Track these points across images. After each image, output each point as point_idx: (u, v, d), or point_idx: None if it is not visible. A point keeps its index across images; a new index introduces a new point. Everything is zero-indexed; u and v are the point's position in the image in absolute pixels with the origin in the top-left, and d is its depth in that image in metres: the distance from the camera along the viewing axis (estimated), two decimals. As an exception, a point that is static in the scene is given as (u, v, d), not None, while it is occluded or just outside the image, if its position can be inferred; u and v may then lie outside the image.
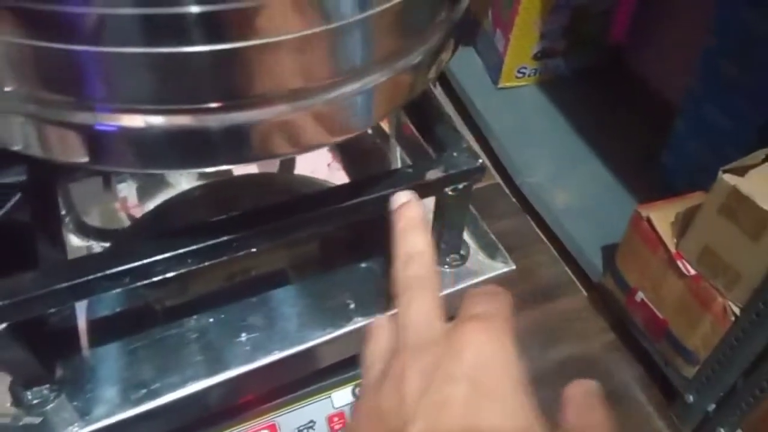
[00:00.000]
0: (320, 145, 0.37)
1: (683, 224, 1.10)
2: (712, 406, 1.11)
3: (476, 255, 0.50)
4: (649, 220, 1.12)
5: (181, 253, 0.38)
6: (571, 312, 1.36)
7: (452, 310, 0.47)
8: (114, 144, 0.35)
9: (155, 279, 0.39)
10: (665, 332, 1.15)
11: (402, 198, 0.40)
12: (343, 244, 0.52)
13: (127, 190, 0.68)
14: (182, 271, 0.39)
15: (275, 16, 0.31)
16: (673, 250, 1.09)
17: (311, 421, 0.51)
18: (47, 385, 0.42)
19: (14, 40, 0.31)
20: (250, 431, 0.50)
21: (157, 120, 0.33)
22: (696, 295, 1.07)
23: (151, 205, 0.69)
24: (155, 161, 0.36)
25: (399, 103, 0.38)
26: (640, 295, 1.18)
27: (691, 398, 1.14)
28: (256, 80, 0.32)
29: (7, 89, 0.33)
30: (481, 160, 0.44)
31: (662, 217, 1.12)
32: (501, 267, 0.51)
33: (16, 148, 0.36)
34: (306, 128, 0.35)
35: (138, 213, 0.67)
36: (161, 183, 0.69)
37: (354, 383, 0.52)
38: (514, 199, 1.54)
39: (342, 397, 0.52)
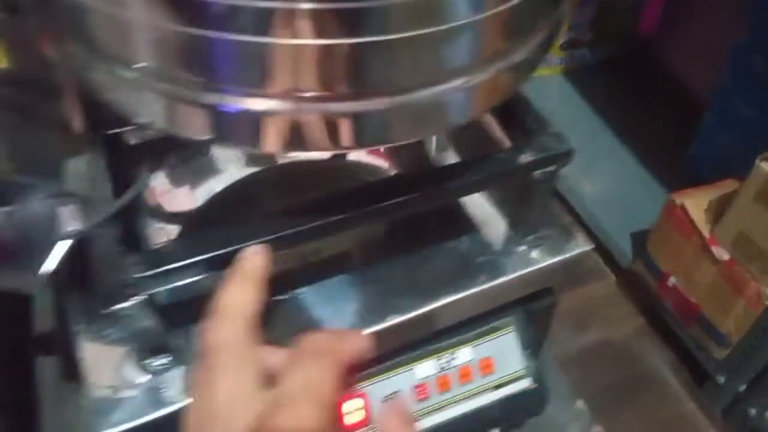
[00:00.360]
0: (423, 136, 0.40)
1: (717, 211, 1.12)
2: (743, 387, 1.15)
3: (554, 236, 0.53)
4: (683, 207, 1.14)
5: (304, 230, 0.41)
6: (601, 298, 1.39)
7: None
8: (238, 124, 0.37)
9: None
10: (697, 316, 1.18)
11: (250, 251, 0.39)
12: (428, 224, 0.55)
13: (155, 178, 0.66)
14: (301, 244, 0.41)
15: (403, 13, 0.33)
16: (707, 236, 1.11)
17: (396, 391, 0.54)
18: (167, 354, 0.45)
19: (157, 23, 0.33)
20: (344, 398, 0.53)
21: (281, 105, 0.36)
22: (729, 279, 1.09)
23: (183, 192, 0.67)
24: (278, 143, 0.38)
25: (502, 99, 0.40)
26: (672, 280, 1.20)
27: (722, 379, 1.16)
28: (377, 72, 0.35)
29: (141, 65, 0.36)
30: (570, 144, 0.47)
31: (696, 204, 1.15)
32: (578, 246, 0.54)
33: (142, 120, 0.38)
34: (416, 119, 0.37)
35: (165, 201, 0.64)
36: (190, 172, 0.68)
37: (435, 356, 0.55)
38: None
39: (424, 369, 0.55)
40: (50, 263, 0.44)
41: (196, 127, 0.37)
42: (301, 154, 0.60)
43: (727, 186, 1.16)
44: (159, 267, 0.39)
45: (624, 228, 1.36)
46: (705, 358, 1.20)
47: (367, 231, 0.54)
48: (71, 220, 0.40)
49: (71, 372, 0.45)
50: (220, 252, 0.39)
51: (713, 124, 1.34)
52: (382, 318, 0.49)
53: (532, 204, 0.50)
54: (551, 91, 1.58)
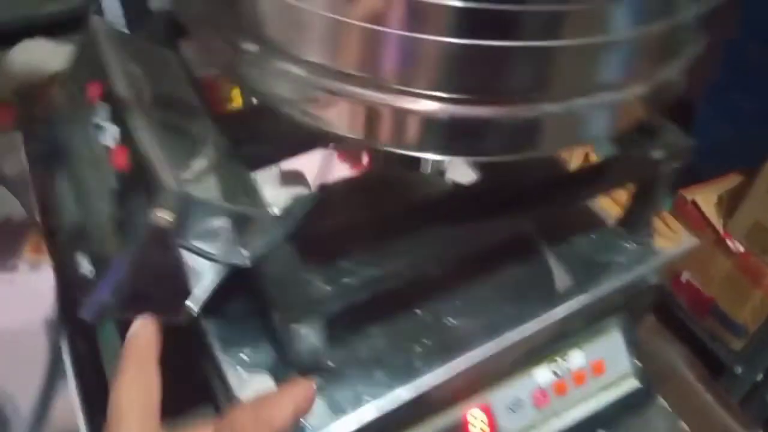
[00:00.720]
0: (591, 142, 0.40)
1: (728, 205, 1.16)
2: (760, 376, 1.18)
3: (662, 231, 0.54)
4: (694, 203, 1.18)
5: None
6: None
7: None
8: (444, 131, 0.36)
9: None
10: (711, 309, 1.21)
11: (140, 324, 0.38)
12: (542, 228, 0.55)
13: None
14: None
15: (596, 19, 0.33)
16: (720, 229, 1.15)
17: (518, 399, 0.54)
18: (319, 375, 0.43)
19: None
20: (465, 411, 0.52)
21: (442, 108, 0.35)
22: (745, 271, 1.13)
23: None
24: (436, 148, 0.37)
25: (664, 105, 0.41)
26: (685, 276, 1.24)
27: (739, 370, 1.20)
28: (568, 76, 0.35)
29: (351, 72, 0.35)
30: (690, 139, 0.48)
31: (706, 199, 1.18)
32: (687, 242, 0.55)
33: (338, 132, 0.37)
34: (589, 123, 0.38)
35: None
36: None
37: (552, 360, 0.55)
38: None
39: (542, 374, 0.54)
40: (206, 290, 0.42)
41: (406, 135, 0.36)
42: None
43: (732, 180, 1.20)
44: (339, 284, 0.37)
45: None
46: (720, 349, 1.24)
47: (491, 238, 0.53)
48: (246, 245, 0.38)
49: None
50: (401, 267, 0.38)
51: (709, 116, 1.37)
52: (516, 325, 0.48)
53: (649, 202, 0.51)
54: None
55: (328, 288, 0.38)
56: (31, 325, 0.56)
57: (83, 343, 0.68)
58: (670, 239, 0.55)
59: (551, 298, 0.50)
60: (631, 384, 0.58)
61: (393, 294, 0.49)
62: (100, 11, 1.44)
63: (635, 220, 0.52)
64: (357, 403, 0.44)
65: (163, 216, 0.37)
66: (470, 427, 0.53)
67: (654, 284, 0.57)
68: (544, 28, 0.33)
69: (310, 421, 0.43)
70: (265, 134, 0.50)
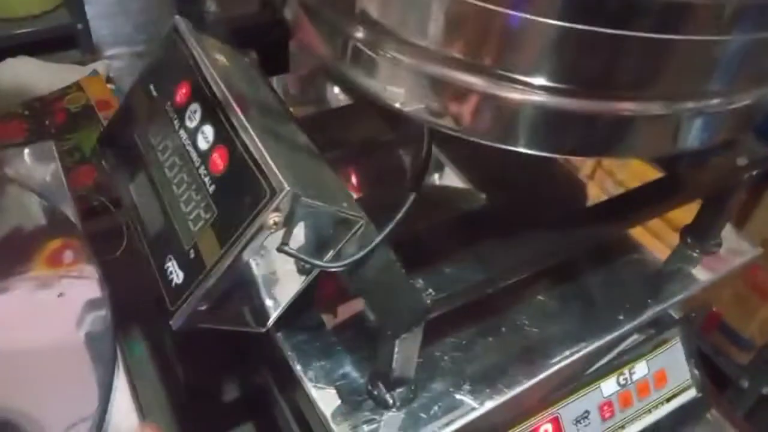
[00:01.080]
0: (682, 151, 0.39)
1: (739, 218, 1.18)
2: (766, 389, 1.20)
3: (726, 241, 0.54)
4: (702, 219, 1.19)
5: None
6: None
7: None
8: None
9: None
10: (718, 324, 1.22)
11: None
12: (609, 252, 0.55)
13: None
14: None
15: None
16: (729, 245, 1.16)
17: (586, 411, 0.53)
18: (406, 387, 0.42)
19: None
20: (536, 425, 0.51)
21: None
22: (754, 286, 1.15)
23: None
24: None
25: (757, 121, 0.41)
26: (691, 291, 1.25)
27: (745, 383, 1.21)
28: (679, 75, 0.34)
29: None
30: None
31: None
32: (750, 252, 0.55)
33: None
34: (687, 130, 0.37)
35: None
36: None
37: (618, 372, 0.54)
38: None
39: (609, 386, 0.54)
40: (286, 300, 0.41)
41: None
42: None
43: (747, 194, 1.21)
44: (445, 290, 0.37)
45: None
46: (726, 364, 1.25)
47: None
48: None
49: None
50: (501, 271, 0.38)
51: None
52: (594, 336, 0.48)
53: (722, 210, 0.51)
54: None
55: (436, 295, 0.37)
56: (36, 343, 0.53)
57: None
58: (732, 251, 0.55)
59: (624, 309, 0.50)
60: (691, 394, 0.58)
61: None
62: (87, 31, 1.42)
63: (704, 230, 0.52)
64: (442, 415, 0.43)
65: (276, 218, 0.36)
66: (539, 439, 0.52)
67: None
68: (664, 20, 0.32)
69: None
70: (339, 138, 0.49)
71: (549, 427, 0.52)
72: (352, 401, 0.43)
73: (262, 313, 0.41)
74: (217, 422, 0.65)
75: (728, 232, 0.56)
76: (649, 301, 0.51)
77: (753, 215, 1.12)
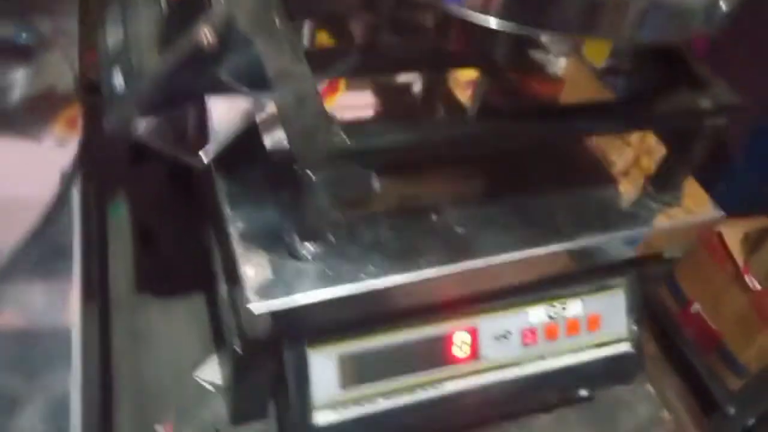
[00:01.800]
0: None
1: (753, 242, 1.14)
2: (752, 421, 1.15)
3: (688, 198, 0.53)
4: (719, 235, 1.16)
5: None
6: (614, 318, 1.40)
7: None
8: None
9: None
10: (716, 345, 1.19)
11: None
12: (569, 169, 0.55)
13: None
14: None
15: None
16: (741, 265, 1.13)
17: (507, 332, 0.54)
18: (322, 243, 0.44)
19: None
20: (454, 330, 0.52)
21: None
22: (759, 310, 1.11)
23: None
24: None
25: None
26: (696, 307, 1.22)
27: (732, 411, 1.17)
28: None
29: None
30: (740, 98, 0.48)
31: (732, 233, 1.16)
32: (712, 213, 0.54)
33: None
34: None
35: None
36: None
37: (549, 302, 0.54)
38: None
39: (537, 313, 0.54)
40: (227, 133, 0.43)
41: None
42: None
43: (763, 221, 1.18)
44: (362, 142, 0.38)
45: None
46: (716, 387, 1.21)
47: (514, 164, 0.53)
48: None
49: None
50: (421, 136, 0.38)
51: (746, 163, 1.36)
52: (523, 246, 0.48)
53: (684, 160, 0.50)
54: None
55: (351, 142, 0.38)
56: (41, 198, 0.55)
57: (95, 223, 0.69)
58: (694, 209, 0.54)
59: (561, 232, 0.50)
60: (624, 348, 0.57)
61: (411, 194, 0.49)
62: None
63: (666, 179, 0.52)
64: (348, 278, 0.44)
65: (208, 33, 0.37)
66: (453, 347, 0.53)
67: (668, 254, 0.57)
68: None
69: (298, 286, 0.43)
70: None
71: (466, 336, 0.53)
72: (266, 245, 0.44)
73: (201, 146, 0.43)
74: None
75: (697, 192, 0.55)
76: (590, 231, 0.50)
77: (766, 241, 1.09)
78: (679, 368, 1.32)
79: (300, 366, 0.48)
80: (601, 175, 0.55)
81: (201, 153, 0.42)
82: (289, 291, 0.42)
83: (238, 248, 0.44)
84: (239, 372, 0.49)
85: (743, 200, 1.35)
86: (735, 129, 1.43)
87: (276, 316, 0.42)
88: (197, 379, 0.60)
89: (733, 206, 1.35)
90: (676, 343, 1.27)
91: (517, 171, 0.54)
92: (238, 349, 0.46)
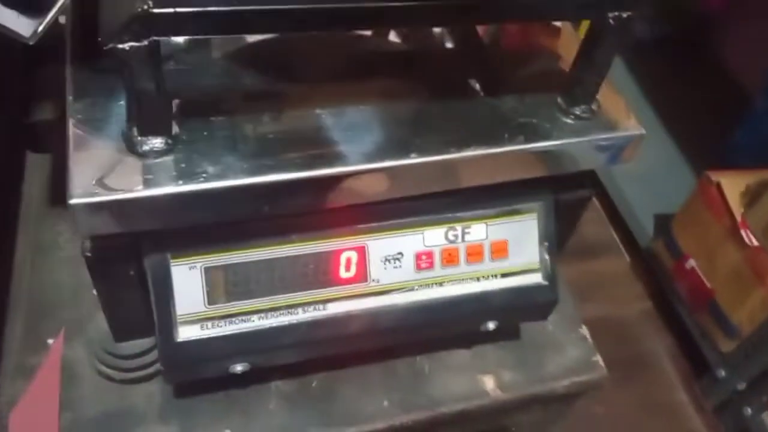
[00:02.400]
0: None
1: (753, 195, 1.07)
2: (743, 385, 1.09)
3: (606, 113, 0.48)
4: (718, 186, 1.09)
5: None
6: (610, 274, 1.34)
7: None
8: None
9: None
10: (709, 303, 1.12)
11: None
12: (471, 75, 0.50)
13: None
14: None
15: None
16: (738, 218, 1.06)
17: (399, 253, 0.50)
18: (162, 138, 0.40)
19: None
20: (341, 249, 0.48)
21: None
22: (753, 266, 1.04)
23: None
24: None
25: None
26: (690, 263, 1.15)
27: (722, 373, 1.12)
28: None
29: None
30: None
31: (732, 184, 1.09)
32: (631, 129, 0.48)
33: None
34: None
35: None
36: None
37: (448, 225, 0.50)
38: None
39: (434, 236, 0.50)
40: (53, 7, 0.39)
41: None
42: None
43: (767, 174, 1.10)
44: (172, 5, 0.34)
45: (649, 208, 1.31)
46: (708, 348, 1.15)
47: (403, 67, 0.49)
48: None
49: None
50: (243, 8, 0.34)
51: (762, 114, 1.28)
52: (400, 155, 0.44)
53: (593, 64, 0.45)
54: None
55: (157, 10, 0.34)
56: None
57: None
58: (613, 124, 0.48)
59: (450, 141, 0.45)
60: (534, 279, 0.53)
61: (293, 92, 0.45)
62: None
63: (577, 88, 0.47)
64: (189, 175, 0.40)
65: None
66: (340, 268, 0.49)
67: (583, 174, 0.52)
68: None
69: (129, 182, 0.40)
70: None
71: (353, 255, 0.49)
72: (106, 138, 0.41)
73: (31, 21, 0.40)
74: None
75: (618, 106, 0.50)
76: (488, 142, 0.46)
77: (765, 195, 1.02)
78: (671, 328, 1.26)
79: (162, 278, 0.45)
80: (508, 84, 0.50)
81: (30, 31, 0.39)
82: (117, 186, 0.39)
83: (73, 140, 0.40)
84: (96, 281, 0.46)
85: (757, 151, 1.26)
86: (755, 77, 1.34)
87: (100, 212, 0.38)
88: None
89: (747, 158, 1.27)
90: (669, 300, 1.22)
91: (414, 73, 0.49)
92: (87, 252, 0.44)
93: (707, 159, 1.25)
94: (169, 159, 0.41)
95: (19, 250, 0.61)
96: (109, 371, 0.54)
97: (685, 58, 1.55)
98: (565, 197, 0.52)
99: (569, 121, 0.48)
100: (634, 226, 1.31)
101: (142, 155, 0.40)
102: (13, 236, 0.62)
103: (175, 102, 0.44)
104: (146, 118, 0.39)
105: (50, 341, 0.57)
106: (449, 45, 0.53)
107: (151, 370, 0.54)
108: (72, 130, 0.41)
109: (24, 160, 0.67)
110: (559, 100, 0.48)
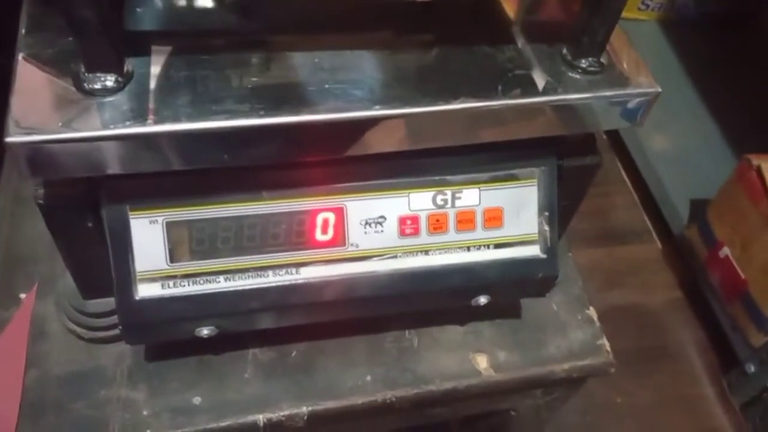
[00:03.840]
0: None
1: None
2: (772, 383, 1.03)
3: (617, 68, 0.43)
4: (759, 170, 1.01)
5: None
6: (641, 261, 1.28)
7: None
8: None
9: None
10: (742, 294, 1.06)
11: None
12: (471, 23, 0.45)
13: None
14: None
15: None
16: (778, 205, 0.99)
17: (381, 217, 0.46)
18: (112, 76, 0.37)
19: None
20: (317, 209, 0.44)
21: None
22: (791, 257, 0.97)
23: None
24: None
25: None
26: (725, 251, 1.08)
27: (752, 368, 1.05)
28: None
29: None
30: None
31: (774, 169, 1.02)
32: (643, 86, 0.43)
33: None
34: None
35: None
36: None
37: (436, 189, 0.46)
38: (604, 135, 1.44)
39: (420, 200, 0.46)
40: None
41: None
42: None
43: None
44: None
45: (685, 191, 1.24)
46: (738, 342, 1.09)
47: (393, 15, 0.44)
48: None
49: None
50: None
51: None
52: (379, 105, 0.40)
53: (597, 11, 0.40)
54: (640, 37, 1.44)
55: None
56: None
57: None
58: (624, 80, 0.43)
59: (441, 93, 0.41)
60: (531, 251, 0.48)
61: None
62: None
63: (584, 37, 0.42)
64: (140, 117, 0.37)
65: None
66: (316, 229, 0.45)
67: (589, 144, 0.47)
68: None
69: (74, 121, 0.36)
70: None
71: (330, 216, 0.45)
72: (55, 75, 0.38)
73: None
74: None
75: (631, 62, 0.45)
76: (482, 96, 0.41)
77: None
78: (701, 319, 1.19)
79: (121, 231, 0.42)
80: (507, 32, 0.45)
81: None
82: (58, 125, 0.35)
83: (19, 75, 0.37)
84: (53, 232, 0.43)
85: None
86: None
87: (40, 153, 0.35)
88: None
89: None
90: (700, 289, 1.15)
91: (405, 21, 0.45)
92: (39, 199, 0.41)
93: (749, 142, 1.17)
94: (118, 98, 0.37)
95: (0, 201, 0.59)
96: (77, 329, 0.52)
97: (729, 38, 1.46)
98: (569, 163, 0.47)
99: (574, 75, 0.43)
100: (667, 211, 1.24)
101: (90, 93, 0.37)
102: (-6, 186, 0.59)
103: (138, 39, 0.40)
104: (90, 52, 0.35)
105: (22, 296, 0.54)
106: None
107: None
108: (20, 64, 0.38)
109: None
110: (564, 51, 0.43)
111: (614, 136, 1.41)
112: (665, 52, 1.44)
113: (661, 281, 1.25)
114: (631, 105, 0.44)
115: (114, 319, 0.51)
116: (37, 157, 0.36)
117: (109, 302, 0.50)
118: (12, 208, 0.59)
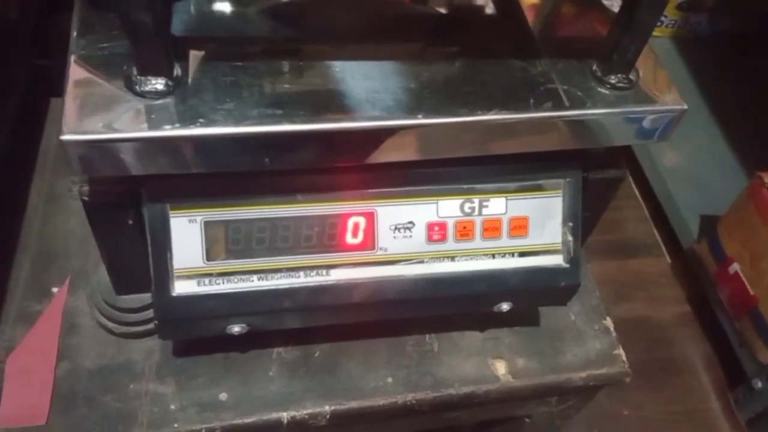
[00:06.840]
0: None
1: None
2: (780, 399, 1.04)
3: (645, 84, 0.44)
4: (770, 187, 1.03)
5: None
6: (650, 275, 1.29)
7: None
8: None
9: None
10: (751, 311, 1.07)
11: None
12: (501, 38, 0.47)
13: None
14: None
15: None
16: (789, 223, 1.00)
17: (410, 222, 0.47)
18: (162, 79, 0.38)
19: None
20: (348, 213, 0.45)
21: None
22: (801, 274, 0.98)
23: None
24: None
25: None
26: (734, 267, 1.09)
27: (759, 384, 1.06)
28: None
29: None
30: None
31: (786, 186, 1.03)
32: (670, 103, 0.45)
33: None
34: None
35: None
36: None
37: (464, 197, 0.47)
38: (630, 149, 1.46)
39: (449, 207, 0.47)
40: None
41: None
42: None
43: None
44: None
45: (696, 206, 1.25)
46: (746, 357, 1.10)
47: (430, 27, 0.46)
48: None
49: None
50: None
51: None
52: (413, 114, 0.41)
53: (636, 29, 0.41)
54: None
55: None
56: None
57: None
58: (651, 97, 0.45)
59: (470, 104, 0.42)
60: (554, 261, 0.49)
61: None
62: None
63: (614, 54, 0.43)
64: (189, 120, 0.38)
65: None
66: (346, 233, 0.47)
67: (617, 151, 0.48)
68: None
69: (124, 122, 0.38)
70: None
71: (361, 220, 0.47)
72: (108, 77, 0.39)
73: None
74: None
75: (659, 79, 0.46)
76: (512, 108, 0.42)
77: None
78: (708, 334, 1.20)
79: (160, 229, 0.44)
80: (540, 47, 0.46)
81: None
82: (111, 125, 0.37)
83: (72, 76, 0.39)
84: (94, 228, 0.45)
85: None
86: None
87: (92, 151, 0.37)
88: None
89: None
90: (709, 304, 1.16)
91: (441, 33, 0.46)
92: (85, 196, 0.42)
93: (761, 159, 1.18)
94: (168, 101, 0.39)
95: (33, 196, 0.61)
96: (109, 324, 0.53)
97: (742, 55, 1.47)
98: (595, 175, 0.49)
99: (604, 90, 0.44)
100: (678, 226, 1.25)
101: (141, 95, 0.38)
102: (28, 183, 0.61)
103: (185, 46, 0.42)
104: (144, 55, 0.37)
105: (55, 290, 0.56)
106: (481, 3, 0.50)
107: (151, 326, 0.52)
108: (73, 66, 0.40)
109: (47, 106, 0.66)
110: (595, 67, 0.45)
111: (626, 150, 1.43)
112: (678, 68, 1.46)
113: (670, 295, 1.26)
114: (657, 121, 0.45)
115: (144, 314, 0.52)
116: (89, 155, 0.37)
117: (139, 298, 0.52)
118: (44, 206, 0.60)
